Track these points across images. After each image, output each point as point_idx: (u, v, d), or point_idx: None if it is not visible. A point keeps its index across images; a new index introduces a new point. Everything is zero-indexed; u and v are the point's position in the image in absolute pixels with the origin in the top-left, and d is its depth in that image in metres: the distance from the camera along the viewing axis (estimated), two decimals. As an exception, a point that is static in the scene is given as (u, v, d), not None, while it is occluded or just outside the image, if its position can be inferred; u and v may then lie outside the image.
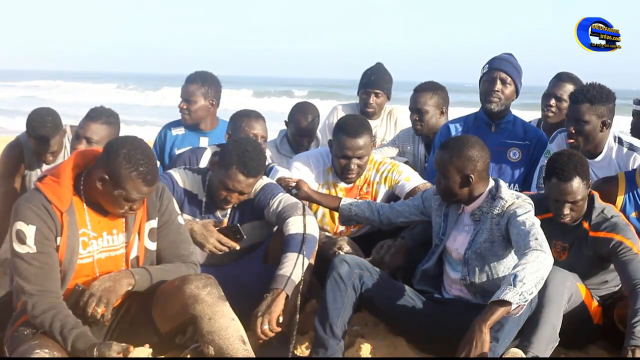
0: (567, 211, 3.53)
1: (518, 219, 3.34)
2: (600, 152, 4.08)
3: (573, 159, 3.54)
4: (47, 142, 4.47)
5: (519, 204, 3.42)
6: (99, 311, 2.99)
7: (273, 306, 3.37)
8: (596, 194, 3.63)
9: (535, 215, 3.45)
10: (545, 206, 3.64)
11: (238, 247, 3.65)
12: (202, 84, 5.03)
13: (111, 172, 2.94)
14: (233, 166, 3.60)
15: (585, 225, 3.59)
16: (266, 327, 3.33)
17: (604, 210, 3.58)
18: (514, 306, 3.05)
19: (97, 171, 2.98)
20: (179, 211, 3.32)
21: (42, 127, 4.45)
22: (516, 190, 4.34)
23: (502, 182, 3.55)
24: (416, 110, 4.86)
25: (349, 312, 3.43)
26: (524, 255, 3.17)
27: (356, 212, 3.95)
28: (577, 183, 3.49)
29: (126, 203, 3.00)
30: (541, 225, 3.35)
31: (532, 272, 3.08)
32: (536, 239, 3.22)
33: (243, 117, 4.38)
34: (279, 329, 3.38)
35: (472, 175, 3.45)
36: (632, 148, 4.10)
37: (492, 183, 3.54)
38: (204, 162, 4.30)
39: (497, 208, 3.45)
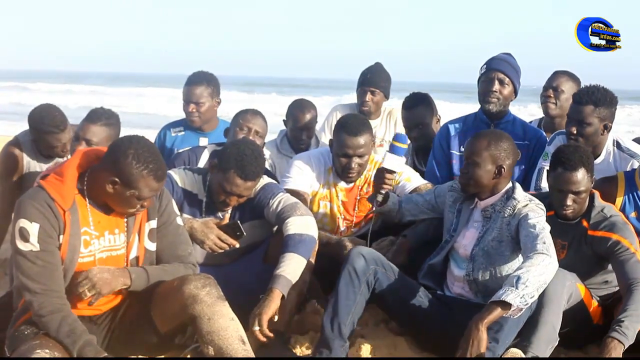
0: (570, 202, 3.54)
1: (529, 221, 3.36)
2: (599, 155, 4.08)
3: (579, 151, 3.59)
4: (59, 134, 4.48)
5: (532, 208, 3.43)
6: (88, 295, 3.00)
7: (265, 306, 3.34)
8: (597, 193, 3.65)
9: None
10: (546, 204, 3.65)
11: (237, 245, 3.64)
12: (208, 84, 5.07)
13: (121, 174, 2.94)
14: (231, 170, 3.59)
15: (585, 223, 3.60)
16: (257, 328, 3.31)
17: (603, 209, 3.59)
18: (513, 308, 3.05)
19: (105, 174, 2.98)
20: (178, 212, 3.32)
21: (52, 119, 4.48)
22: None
23: (518, 185, 3.57)
24: (416, 125, 4.86)
25: (360, 310, 3.41)
26: (529, 258, 3.19)
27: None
28: (582, 174, 3.52)
29: (138, 202, 3.01)
30: None
31: (535, 276, 3.09)
32: (544, 242, 3.24)
33: (241, 113, 4.42)
34: (270, 333, 3.33)
35: (504, 167, 3.48)
36: (630, 154, 4.11)
37: (509, 185, 3.56)
38: (202, 161, 4.30)
39: (509, 208, 3.46)
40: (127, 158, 2.93)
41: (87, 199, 3.05)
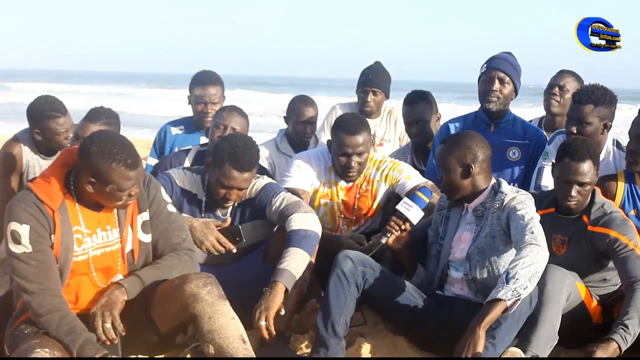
0: (574, 193, 3.55)
1: (518, 213, 3.37)
2: (599, 154, 4.08)
3: (587, 143, 3.63)
4: (60, 117, 4.53)
5: (520, 200, 3.44)
6: (108, 326, 2.97)
7: (271, 301, 3.33)
8: (597, 189, 3.66)
9: (537, 210, 3.49)
10: (547, 202, 3.69)
11: (234, 250, 3.64)
12: (220, 84, 5.12)
13: (93, 172, 2.95)
14: (226, 164, 3.60)
15: (585, 219, 3.60)
16: (263, 323, 3.30)
17: (603, 205, 3.60)
18: (508, 303, 3.06)
19: (83, 176, 2.99)
20: (168, 199, 3.31)
21: (52, 104, 4.55)
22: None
23: (503, 180, 3.58)
24: (416, 121, 4.85)
25: (351, 310, 3.42)
26: (519, 251, 3.21)
27: None
28: (588, 165, 3.54)
29: (121, 193, 3.00)
30: (542, 220, 3.37)
31: (524, 267, 3.10)
32: (532, 232, 3.25)
33: (218, 111, 4.44)
34: (273, 330, 3.33)
35: (472, 165, 3.49)
36: None
37: (494, 180, 3.57)
38: (186, 165, 4.30)
39: (498, 202, 3.47)
40: (91, 156, 2.94)
41: (75, 198, 3.06)
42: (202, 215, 3.77)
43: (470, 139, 3.56)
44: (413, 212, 3.64)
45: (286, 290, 3.38)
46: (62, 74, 56.02)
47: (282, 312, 3.35)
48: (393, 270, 3.67)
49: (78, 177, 3.03)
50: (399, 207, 3.67)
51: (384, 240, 3.65)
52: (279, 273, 3.39)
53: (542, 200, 3.69)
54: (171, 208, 3.30)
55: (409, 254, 3.72)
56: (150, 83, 42.91)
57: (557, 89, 4.94)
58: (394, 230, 3.64)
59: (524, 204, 3.41)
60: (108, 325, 2.98)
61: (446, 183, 3.57)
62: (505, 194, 3.47)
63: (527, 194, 3.51)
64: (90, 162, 2.94)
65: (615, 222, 3.52)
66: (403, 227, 3.64)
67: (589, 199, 3.62)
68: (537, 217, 3.36)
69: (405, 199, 3.70)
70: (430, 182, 4.22)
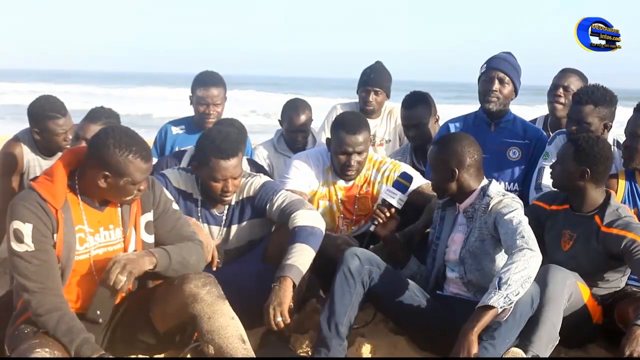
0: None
1: (505, 218, 3.35)
2: None
3: (601, 143, 3.65)
4: (60, 119, 4.53)
5: (506, 203, 3.42)
6: (122, 279, 2.95)
7: (282, 296, 3.33)
8: (613, 193, 3.67)
9: (551, 206, 3.53)
10: (562, 198, 3.70)
11: (215, 268, 3.62)
12: (223, 85, 5.11)
13: (109, 166, 2.95)
14: (211, 158, 3.60)
15: (598, 220, 3.60)
16: (280, 319, 3.31)
17: (618, 209, 3.60)
18: (500, 309, 3.07)
19: (95, 171, 2.99)
20: (171, 197, 3.33)
21: (52, 105, 4.56)
22: (516, 190, 4.36)
23: (494, 182, 3.57)
24: (415, 125, 4.85)
25: (356, 309, 3.42)
26: (511, 256, 3.20)
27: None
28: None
29: (134, 187, 3.02)
30: (555, 216, 3.41)
31: (516, 273, 3.11)
32: (522, 237, 3.24)
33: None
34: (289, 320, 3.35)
35: (456, 169, 3.49)
36: None
37: (485, 182, 3.56)
38: (185, 164, 4.31)
39: (484, 206, 3.47)
40: (109, 149, 2.95)
41: (79, 197, 3.06)
42: (199, 214, 3.78)
43: (458, 142, 3.55)
44: (396, 199, 3.72)
45: (294, 285, 3.38)
46: (61, 74, 56.10)
47: (292, 306, 3.36)
48: (387, 259, 3.69)
49: (86, 174, 3.03)
50: (382, 194, 3.79)
51: (372, 228, 3.74)
52: (286, 268, 3.39)
53: (557, 196, 3.72)
54: (175, 206, 3.32)
55: (399, 242, 3.77)
56: (150, 83, 42.94)
57: (561, 89, 4.87)
58: (379, 218, 3.71)
59: (510, 207, 3.39)
60: (123, 277, 2.96)
61: (434, 183, 3.62)
62: (491, 198, 3.46)
63: (514, 196, 3.50)
64: (107, 154, 2.95)
65: (632, 225, 3.52)
66: (388, 213, 3.71)
67: (600, 199, 3.62)
68: (526, 219, 3.35)
69: (388, 187, 3.80)
70: (430, 182, 4.22)
